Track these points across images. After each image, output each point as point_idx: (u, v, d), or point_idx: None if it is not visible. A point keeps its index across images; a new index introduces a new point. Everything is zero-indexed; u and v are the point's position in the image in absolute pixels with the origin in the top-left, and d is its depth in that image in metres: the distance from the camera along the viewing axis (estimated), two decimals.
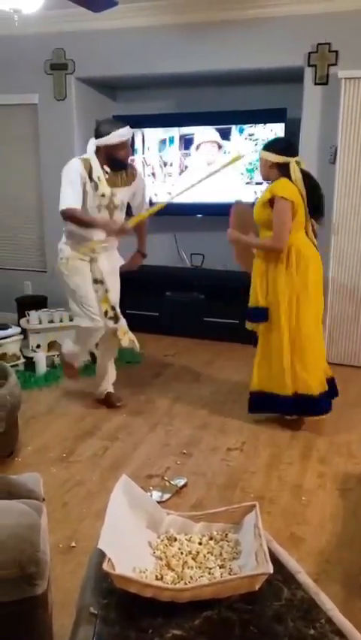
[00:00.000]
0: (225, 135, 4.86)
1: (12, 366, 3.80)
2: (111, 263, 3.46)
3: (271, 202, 3.12)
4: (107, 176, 3.26)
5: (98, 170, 3.23)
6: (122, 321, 3.49)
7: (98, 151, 3.24)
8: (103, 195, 3.26)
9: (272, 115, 4.66)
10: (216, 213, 4.42)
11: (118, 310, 3.46)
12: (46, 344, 4.43)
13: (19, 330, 4.34)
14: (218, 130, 4.87)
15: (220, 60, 4.41)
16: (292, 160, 3.15)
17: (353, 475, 2.90)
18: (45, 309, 4.68)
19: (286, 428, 3.39)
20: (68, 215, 3.20)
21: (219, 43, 4.35)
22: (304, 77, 4.25)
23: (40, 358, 4.25)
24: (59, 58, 4.86)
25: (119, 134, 3.19)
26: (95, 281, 3.38)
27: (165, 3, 4.32)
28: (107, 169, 3.26)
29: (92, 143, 3.25)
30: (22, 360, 4.30)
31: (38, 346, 4.39)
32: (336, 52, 4.11)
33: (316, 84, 4.22)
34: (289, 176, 3.13)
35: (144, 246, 3.67)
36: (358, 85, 4.01)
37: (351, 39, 4.04)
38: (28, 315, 4.46)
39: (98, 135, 3.22)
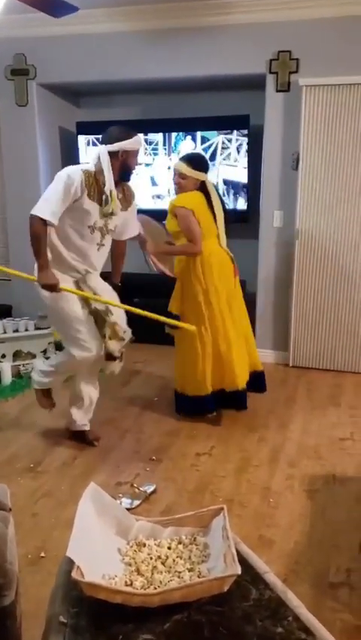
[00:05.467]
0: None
1: None
2: (99, 281, 3.10)
3: (175, 214, 3.37)
4: (120, 196, 2.98)
5: (111, 184, 2.87)
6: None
7: (114, 158, 2.89)
8: (106, 215, 2.93)
9: (236, 121, 4.72)
10: None
11: (127, 330, 3.13)
12: (11, 353, 4.37)
13: None
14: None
15: (182, 67, 4.45)
16: (206, 177, 3.43)
17: (321, 476, 2.94)
18: (10, 318, 4.63)
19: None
20: (37, 228, 2.77)
21: (181, 49, 4.39)
22: (266, 84, 4.32)
23: (6, 368, 4.19)
24: (20, 64, 4.82)
25: (139, 141, 2.96)
26: (88, 303, 3.02)
27: (127, 9, 4.34)
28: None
29: (106, 151, 2.87)
30: None
31: (3, 356, 4.34)
32: (297, 60, 4.18)
33: (277, 91, 4.29)
34: (203, 191, 3.40)
35: (118, 276, 3.34)
36: (318, 92, 4.10)
37: (311, 47, 4.13)
38: None
39: (115, 139, 2.89)
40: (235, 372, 3.44)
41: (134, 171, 3.04)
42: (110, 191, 2.87)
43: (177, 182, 3.41)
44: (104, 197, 2.86)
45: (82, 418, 3.24)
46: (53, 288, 2.87)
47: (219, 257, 3.46)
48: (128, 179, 3.04)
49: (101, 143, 2.95)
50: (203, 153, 4.64)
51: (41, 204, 2.79)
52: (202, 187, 3.41)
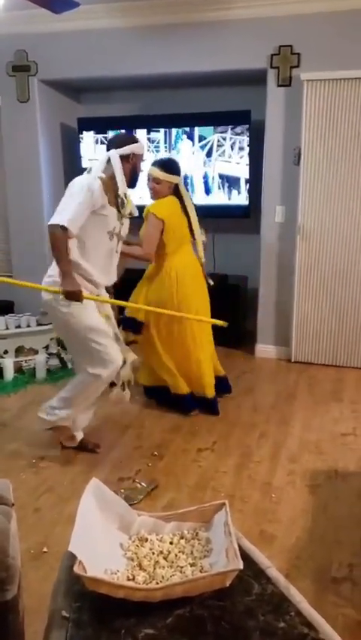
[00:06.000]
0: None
1: None
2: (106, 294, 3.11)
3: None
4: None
5: (125, 187, 2.86)
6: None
7: (125, 162, 2.88)
8: (123, 218, 2.92)
9: (237, 117, 4.71)
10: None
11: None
12: (13, 350, 4.38)
13: None
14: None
15: (183, 62, 4.44)
16: (179, 180, 3.47)
17: (322, 471, 2.94)
18: (12, 315, 4.63)
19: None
20: (59, 236, 2.69)
21: (182, 45, 4.38)
22: (267, 79, 4.30)
23: (8, 364, 4.19)
24: (21, 60, 4.81)
25: (143, 145, 3.01)
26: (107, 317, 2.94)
27: (127, 5, 4.33)
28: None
29: (117, 155, 2.86)
30: None
31: (6, 352, 4.34)
32: (298, 54, 4.17)
33: (279, 86, 4.28)
34: (177, 194, 3.44)
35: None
36: (320, 87, 4.09)
37: (312, 41, 4.11)
38: None
39: (125, 143, 2.90)
40: (204, 381, 3.56)
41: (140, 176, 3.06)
42: (125, 194, 2.87)
43: (152, 187, 3.45)
44: (119, 200, 2.85)
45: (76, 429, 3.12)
46: (77, 296, 2.75)
47: (193, 269, 3.54)
48: (135, 185, 3.03)
49: (108, 149, 2.93)
50: (198, 151, 4.63)
51: (60, 214, 2.71)
52: (175, 190, 3.46)
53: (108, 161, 2.87)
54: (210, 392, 3.59)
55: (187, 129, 4.90)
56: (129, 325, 3.52)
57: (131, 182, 2.98)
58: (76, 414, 3.01)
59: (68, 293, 2.73)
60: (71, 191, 2.78)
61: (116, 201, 2.85)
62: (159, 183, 3.41)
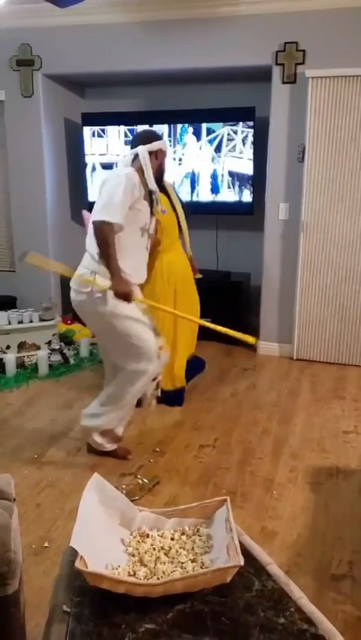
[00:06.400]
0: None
1: None
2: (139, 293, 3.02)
3: None
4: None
5: (153, 184, 2.81)
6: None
7: (151, 158, 2.84)
8: (154, 214, 2.88)
9: (241, 113, 4.69)
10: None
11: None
12: (16, 345, 4.38)
13: None
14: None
15: (188, 58, 4.42)
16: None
17: (324, 468, 2.94)
18: (14, 310, 4.64)
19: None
20: (108, 234, 2.61)
21: (187, 41, 4.37)
22: (272, 76, 4.29)
23: (10, 359, 4.20)
24: (25, 55, 4.80)
25: (165, 142, 2.98)
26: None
27: (132, 0, 4.31)
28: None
29: (146, 151, 2.81)
30: None
31: (8, 347, 4.35)
32: (303, 51, 4.15)
33: (284, 83, 4.26)
34: (163, 191, 3.40)
35: None
36: (325, 84, 4.08)
37: (318, 38, 4.10)
38: None
39: (151, 139, 2.87)
40: (175, 374, 3.61)
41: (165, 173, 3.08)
42: (155, 191, 2.83)
43: None
44: (154, 196, 2.83)
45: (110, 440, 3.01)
46: (127, 296, 2.68)
47: (183, 266, 3.60)
48: (161, 182, 3.01)
49: (133, 147, 2.90)
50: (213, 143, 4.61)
51: (105, 209, 2.63)
52: (161, 188, 3.41)
53: (135, 158, 2.84)
54: (180, 383, 3.68)
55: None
56: None
57: (158, 180, 2.91)
58: (123, 414, 2.90)
59: (119, 293, 2.66)
60: (111, 184, 2.69)
61: (150, 197, 2.82)
62: None
